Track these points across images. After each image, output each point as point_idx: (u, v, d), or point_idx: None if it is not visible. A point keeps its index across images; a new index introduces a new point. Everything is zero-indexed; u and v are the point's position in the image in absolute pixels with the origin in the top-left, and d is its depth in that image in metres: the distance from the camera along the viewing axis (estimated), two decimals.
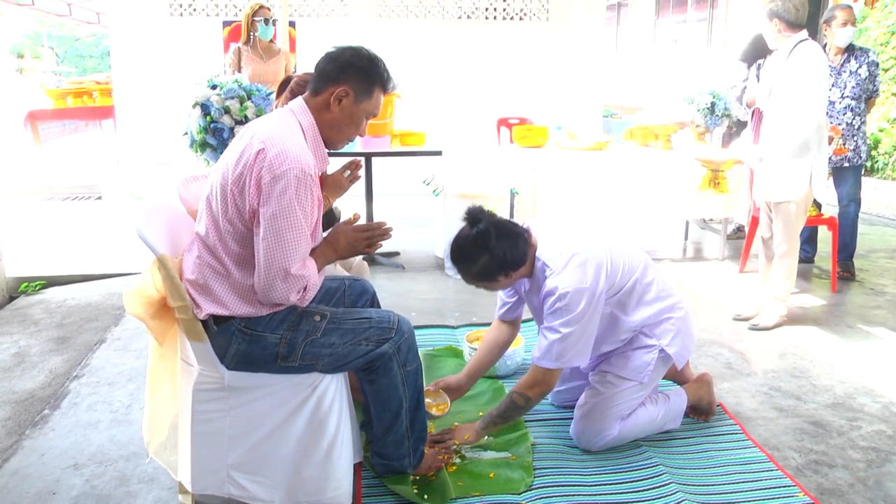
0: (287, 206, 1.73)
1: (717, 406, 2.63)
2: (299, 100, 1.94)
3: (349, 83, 1.88)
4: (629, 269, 2.29)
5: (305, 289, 1.81)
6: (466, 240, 2.16)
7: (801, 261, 3.65)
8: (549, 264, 2.17)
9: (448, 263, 2.25)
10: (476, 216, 2.18)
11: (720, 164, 4.39)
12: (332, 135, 1.94)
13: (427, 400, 2.28)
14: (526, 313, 2.53)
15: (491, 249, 2.12)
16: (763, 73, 3.49)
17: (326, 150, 1.96)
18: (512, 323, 2.54)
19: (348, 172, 2.39)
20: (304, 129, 1.88)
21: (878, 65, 4.25)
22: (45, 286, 4.07)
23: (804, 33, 3.26)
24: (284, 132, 1.81)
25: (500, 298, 2.52)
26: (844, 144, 4.21)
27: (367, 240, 1.96)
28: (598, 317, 2.18)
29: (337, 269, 2.51)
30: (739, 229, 5.27)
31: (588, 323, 2.14)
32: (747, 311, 3.64)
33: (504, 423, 2.30)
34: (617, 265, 2.25)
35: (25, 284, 4.03)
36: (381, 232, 1.97)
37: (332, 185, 2.38)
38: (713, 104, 4.66)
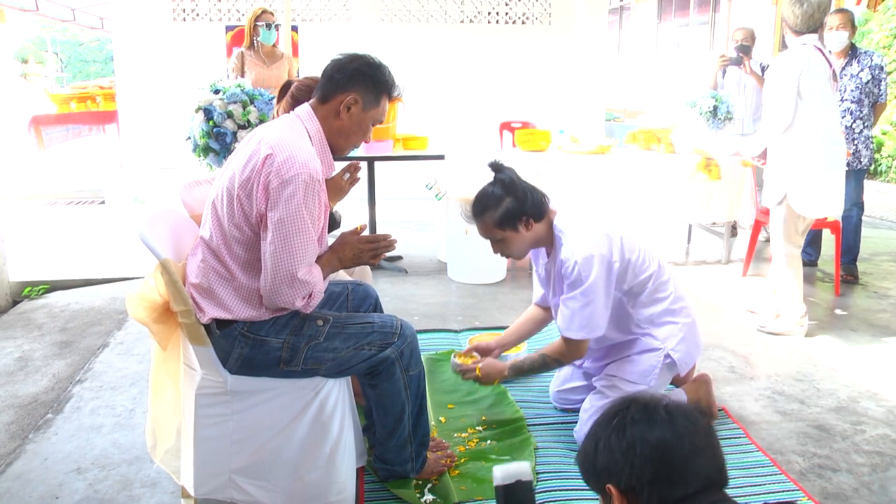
0: (295, 210, 1.73)
1: (721, 410, 2.63)
2: (305, 106, 1.95)
3: (358, 91, 1.89)
4: (645, 259, 2.31)
5: (311, 295, 1.81)
6: (492, 185, 2.23)
7: (804, 264, 3.64)
8: (564, 231, 2.23)
9: (468, 214, 2.30)
10: (499, 166, 2.27)
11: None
12: (339, 141, 1.95)
13: (458, 358, 2.54)
14: None
15: (515, 192, 2.20)
16: None
17: (332, 157, 1.96)
18: (547, 309, 2.59)
19: (348, 175, 2.40)
20: (310, 136, 1.89)
21: (882, 68, 4.16)
22: (48, 290, 4.07)
23: (806, 38, 3.25)
24: (292, 137, 1.82)
25: (535, 286, 2.62)
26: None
27: (371, 251, 1.97)
28: (612, 287, 2.21)
29: (340, 274, 2.51)
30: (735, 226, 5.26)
31: (604, 291, 2.18)
32: (768, 322, 3.52)
33: (530, 375, 2.49)
34: (632, 248, 2.28)
35: (29, 289, 4.04)
36: (387, 244, 1.99)
37: (332, 189, 2.38)
38: (715, 107, 4.65)
